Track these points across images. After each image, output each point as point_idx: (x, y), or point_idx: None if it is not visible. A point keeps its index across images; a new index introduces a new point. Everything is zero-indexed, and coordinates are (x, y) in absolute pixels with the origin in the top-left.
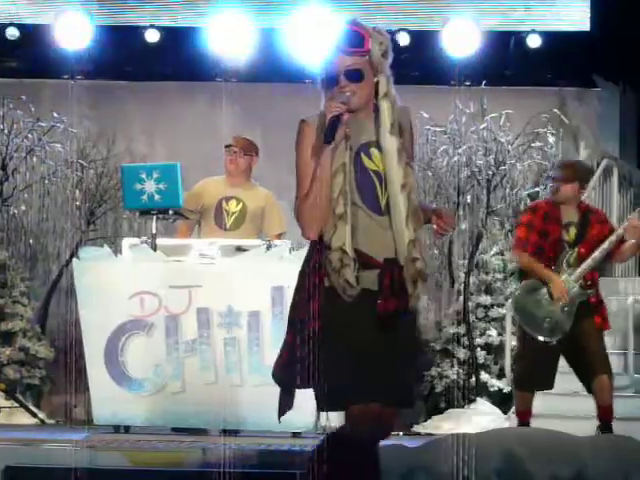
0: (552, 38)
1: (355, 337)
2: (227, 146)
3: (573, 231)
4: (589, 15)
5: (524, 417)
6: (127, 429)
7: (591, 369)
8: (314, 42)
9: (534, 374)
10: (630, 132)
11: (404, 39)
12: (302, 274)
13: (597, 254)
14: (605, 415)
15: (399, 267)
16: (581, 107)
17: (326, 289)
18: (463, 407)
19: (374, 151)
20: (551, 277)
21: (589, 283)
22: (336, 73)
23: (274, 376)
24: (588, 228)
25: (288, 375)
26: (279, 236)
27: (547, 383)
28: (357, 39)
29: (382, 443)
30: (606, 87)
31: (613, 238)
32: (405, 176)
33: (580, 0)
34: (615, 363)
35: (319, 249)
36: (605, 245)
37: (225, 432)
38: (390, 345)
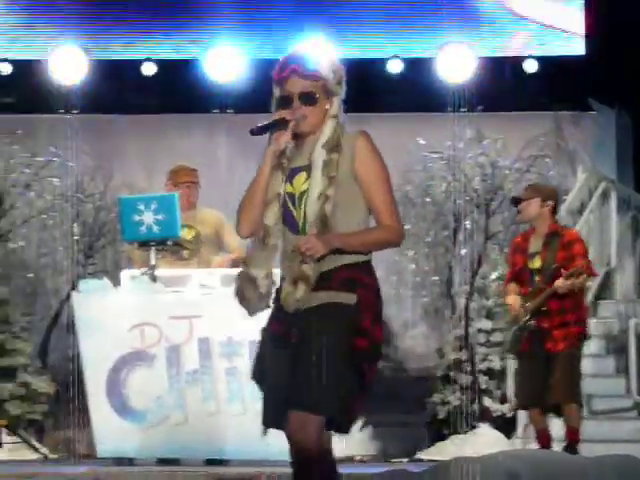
0: (548, 63)
1: (268, 357)
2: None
3: (538, 261)
4: (584, 39)
5: (542, 440)
6: (130, 461)
7: (556, 395)
8: None
9: (521, 391)
10: (626, 155)
11: (398, 66)
12: None
13: (542, 296)
14: (571, 436)
15: None
16: (577, 131)
17: None
18: (466, 433)
19: (300, 174)
20: (508, 305)
21: (531, 313)
22: (290, 95)
23: None
24: (553, 255)
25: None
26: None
27: (533, 401)
28: (313, 64)
29: (387, 469)
30: (601, 110)
31: (549, 292)
32: (324, 188)
33: (575, 25)
34: (617, 385)
35: None
36: (543, 295)
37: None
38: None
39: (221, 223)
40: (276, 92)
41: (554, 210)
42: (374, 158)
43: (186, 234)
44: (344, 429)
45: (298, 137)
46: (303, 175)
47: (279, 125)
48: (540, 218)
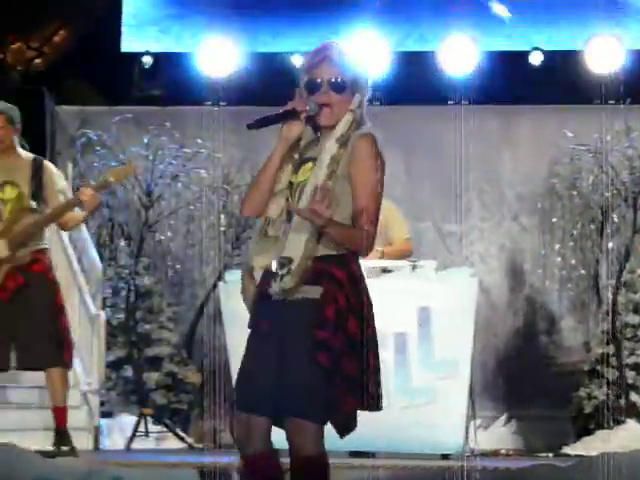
0: None
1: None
2: None
3: None
4: None
5: None
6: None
7: None
8: (451, 65)
9: None
10: None
11: (538, 58)
12: None
13: None
14: None
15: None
16: None
17: None
18: (612, 428)
19: (307, 164)
20: None
21: None
22: (320, 80)
23: None
24: None
25: None
26: None
27: None
28: (350, 55)
29: (533, 463)
30: None
31: None
32: (324, 180)
33: None
34: None
35: None
36: None
37: (371, 454)
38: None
39: (389, 214)
40: (304, 78)
41: None
42: (368, 162)
43: None
44: (337, 429)
45: (316, 128)
46: (309, 165)
47: (285, 117)
48: None
